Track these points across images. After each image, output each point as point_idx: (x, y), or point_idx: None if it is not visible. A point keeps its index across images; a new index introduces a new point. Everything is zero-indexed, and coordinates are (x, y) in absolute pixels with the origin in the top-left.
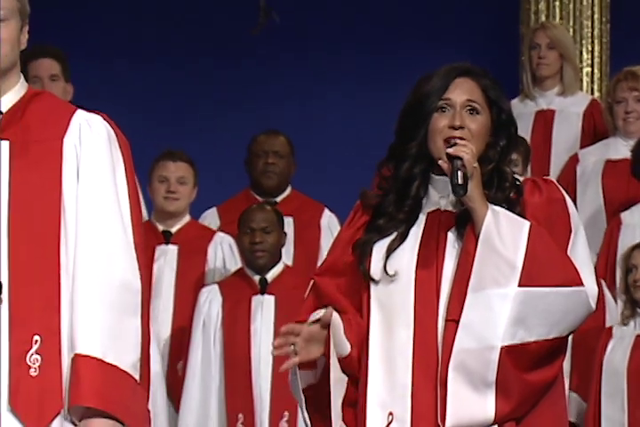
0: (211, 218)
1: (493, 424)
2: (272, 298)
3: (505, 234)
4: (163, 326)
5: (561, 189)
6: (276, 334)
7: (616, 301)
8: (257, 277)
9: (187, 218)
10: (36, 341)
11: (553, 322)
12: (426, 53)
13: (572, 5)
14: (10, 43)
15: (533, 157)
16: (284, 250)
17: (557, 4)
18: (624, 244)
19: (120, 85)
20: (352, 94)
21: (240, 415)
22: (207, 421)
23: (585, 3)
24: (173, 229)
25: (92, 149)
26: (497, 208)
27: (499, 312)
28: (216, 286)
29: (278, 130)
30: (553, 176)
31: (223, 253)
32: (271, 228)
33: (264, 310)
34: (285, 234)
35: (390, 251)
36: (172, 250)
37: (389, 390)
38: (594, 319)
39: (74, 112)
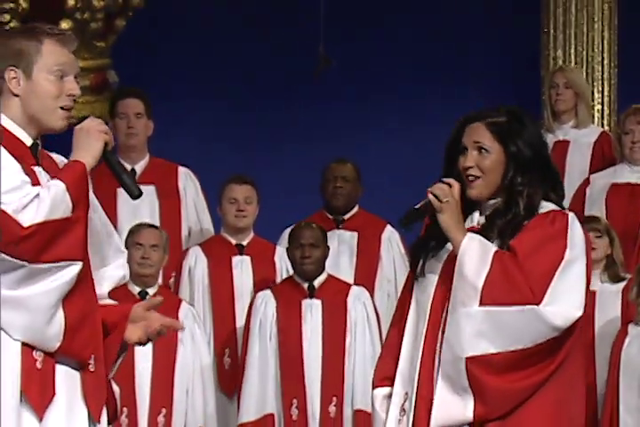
0: None
1: (473, 424)
2: (319, 302)
3: (473, 260)
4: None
5: (570, 222)
6: (324, 332)
7: None
8: (306, 284)
9: (252, 232)
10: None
11: (512, 336)
12: (463, 94)
13: (585, 52)
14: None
15: None
16: (347, 259)
17: (572, 51)
18: None
19: (198, 119)
20: (398, 127)
21: (294, 400)
22: (266, 404)
23: (596, 50)
24: (244, 242)
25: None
26: (474, 236)
27: (463, 328)
28: (269, 291)
29: (347, 158)
30: (566, 198)
31: (286, 264)
32: (318, 243)
33: (313, 311)
34: (328, 247)
35: (427, 257)
36: (247, 260)
37: (409, 373)
38: None
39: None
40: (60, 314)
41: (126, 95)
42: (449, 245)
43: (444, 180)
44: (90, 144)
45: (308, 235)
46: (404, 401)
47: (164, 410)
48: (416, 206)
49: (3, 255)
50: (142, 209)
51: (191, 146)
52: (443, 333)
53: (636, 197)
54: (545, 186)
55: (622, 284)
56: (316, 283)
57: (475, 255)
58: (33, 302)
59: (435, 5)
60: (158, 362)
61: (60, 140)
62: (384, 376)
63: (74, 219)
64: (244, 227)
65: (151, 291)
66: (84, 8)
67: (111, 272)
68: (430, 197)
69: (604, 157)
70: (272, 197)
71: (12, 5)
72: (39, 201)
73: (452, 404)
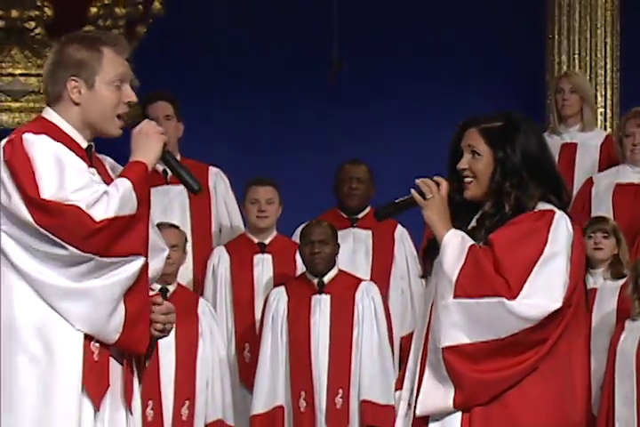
0: None
1: (455, 411)
2: (328, 297)
3: (451, 254)
4: None
5: (556, 219)
6: (332, 326)
7: None
8: (316, 280)
9: (275, 231)
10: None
11: (483, 327)
12: (463, 94)
13: (588, 57)
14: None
15: None
16: (363, 257)
17: (577, 56)
18: None
19: (220, 124)
20: (403, 131)
21: (302, 392)
22: (276, 396)
23: (599, 55)
24: (266, 241)
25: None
26: (457, 232)
27: (441, 319)
28: (282, 288)
29: (360, 159)
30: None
31: None
32: (327, 240)
33: (321, 306)
34: (339, 245)
35: (434, 258)
36: (268, 258)
37: (414, 369)
38: None
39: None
40: (122, 307)
41: (156, 99)
42: None
43: (434, 178)
44: (150, 145)
45: (317, 232)
46: (411, 395)
47: (187, 402)
48: (396, 201)
49: (73, 249)
50: (173, 209)
51: (194, 146)
52: None
53: None
54: (544, 189)
55: (622, 280)
56: (326, 279)
57: (454, 250)
58: (97, 294)
59: (435, 5)
60: (181, 356)
61: (110, 142)
62: (402, 378)
63: (139, 216)
64: (266, 227)
65: (171, 288)
66: (106, 15)
67: (154, 264)
68: (413, 193)
69: (610, 159)
70: None
71: (37, 13)
72: (109, 197)
73: (436, 392)
